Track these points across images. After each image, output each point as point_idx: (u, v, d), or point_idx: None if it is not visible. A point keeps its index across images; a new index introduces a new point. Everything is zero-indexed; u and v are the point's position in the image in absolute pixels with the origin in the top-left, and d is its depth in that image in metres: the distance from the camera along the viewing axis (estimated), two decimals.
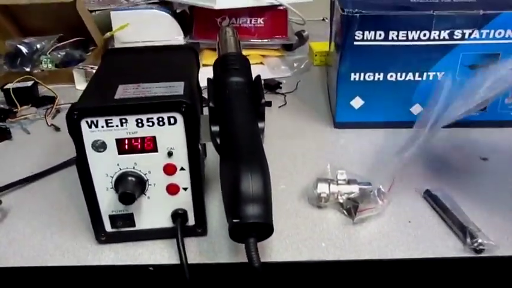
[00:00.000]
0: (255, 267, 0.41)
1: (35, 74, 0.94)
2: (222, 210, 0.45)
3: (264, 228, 0.42)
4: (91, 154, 0.47)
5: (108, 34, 1.06)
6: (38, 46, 1.00)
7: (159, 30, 1.06)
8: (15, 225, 0.57)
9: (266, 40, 1.06)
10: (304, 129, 0.78)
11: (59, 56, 1.01)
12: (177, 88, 0.48)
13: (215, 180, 0.62)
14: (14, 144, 0.77)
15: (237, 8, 1.02)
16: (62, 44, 1.03)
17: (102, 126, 0.46)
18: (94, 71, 0.81)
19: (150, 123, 0.46)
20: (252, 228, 0.41)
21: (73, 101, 0.46)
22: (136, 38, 1.05)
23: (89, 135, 0.46)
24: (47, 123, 0.82)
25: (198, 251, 0.52)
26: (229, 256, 0.51)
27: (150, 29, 1.05)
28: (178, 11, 1.10)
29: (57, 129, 0.80)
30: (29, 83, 0.89)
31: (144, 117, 0.46)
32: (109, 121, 0.46)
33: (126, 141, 0.47)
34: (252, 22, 1.05)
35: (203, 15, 1.04)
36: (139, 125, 0.46)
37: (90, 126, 0.46)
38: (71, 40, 1.04)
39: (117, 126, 0.46)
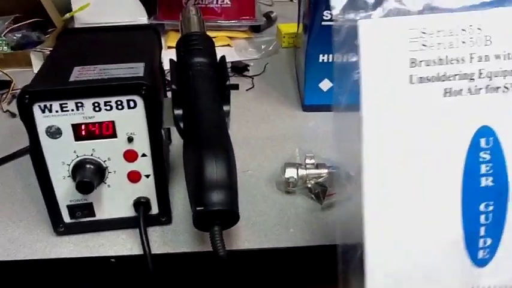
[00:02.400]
0: (221, 256, 0.39)
1: None
2: (187, 198, 0.43)
3: (229, 216, 0.40)
4: (45, 141, 0.44)
5: (67, 15, 1.01)
6: None
7: (122, 10, 1.02)
8: None
9: (233, 21, 1.03)
10: (272, 113, 0.76)
11: (14, 38, 0.95)
12: (136, 69, 0.45)
13: (181, 166, 0.60)
14: None
15: None
16: (17, 25, 0.97)
17: (57, 111, 0.43)
18: None
19: (108, 107, 0.43)
20: (217, 215, 0.40)
21: None
22: (97, 19, 1.00)
23: (42, 120, 0.43)
24: (2, 109, 0.77)
25: (162, 241, 0.50)
26: (195, 245, 0.49)
27: (112, 9, 1.01)
28: None
29: (13, 115, 0.76)
30: None
31: (101, 100, 0.43)
32: (64, 105, 0.43)
33: (83, 127, 0.44)
34: (219, 2, 1.02)
35: None
36: (97, 109, 0.43)
37: (43, 111, 0.43)
38: (27, 21, 0.99)
39: (72, 110, 0.43)
